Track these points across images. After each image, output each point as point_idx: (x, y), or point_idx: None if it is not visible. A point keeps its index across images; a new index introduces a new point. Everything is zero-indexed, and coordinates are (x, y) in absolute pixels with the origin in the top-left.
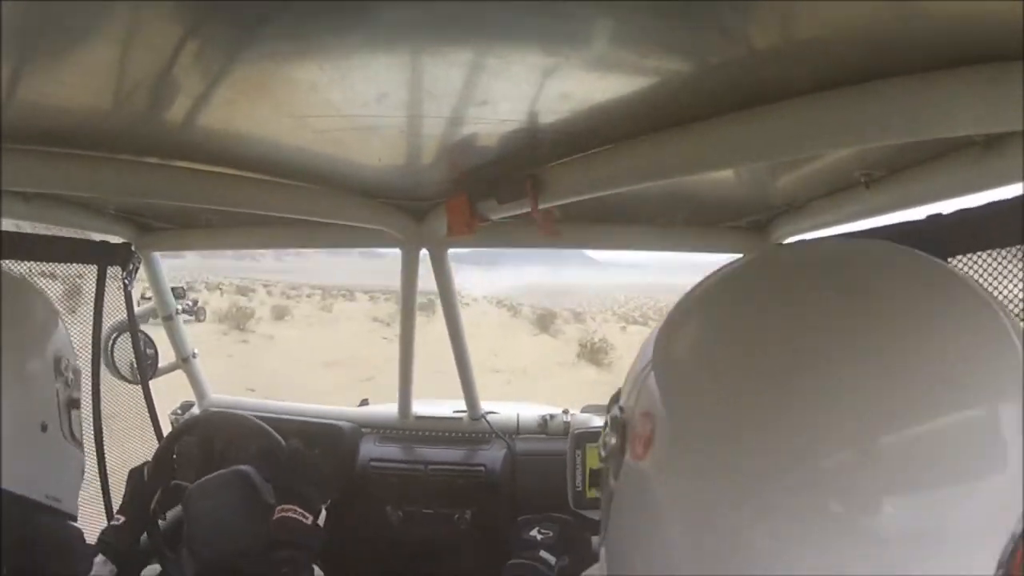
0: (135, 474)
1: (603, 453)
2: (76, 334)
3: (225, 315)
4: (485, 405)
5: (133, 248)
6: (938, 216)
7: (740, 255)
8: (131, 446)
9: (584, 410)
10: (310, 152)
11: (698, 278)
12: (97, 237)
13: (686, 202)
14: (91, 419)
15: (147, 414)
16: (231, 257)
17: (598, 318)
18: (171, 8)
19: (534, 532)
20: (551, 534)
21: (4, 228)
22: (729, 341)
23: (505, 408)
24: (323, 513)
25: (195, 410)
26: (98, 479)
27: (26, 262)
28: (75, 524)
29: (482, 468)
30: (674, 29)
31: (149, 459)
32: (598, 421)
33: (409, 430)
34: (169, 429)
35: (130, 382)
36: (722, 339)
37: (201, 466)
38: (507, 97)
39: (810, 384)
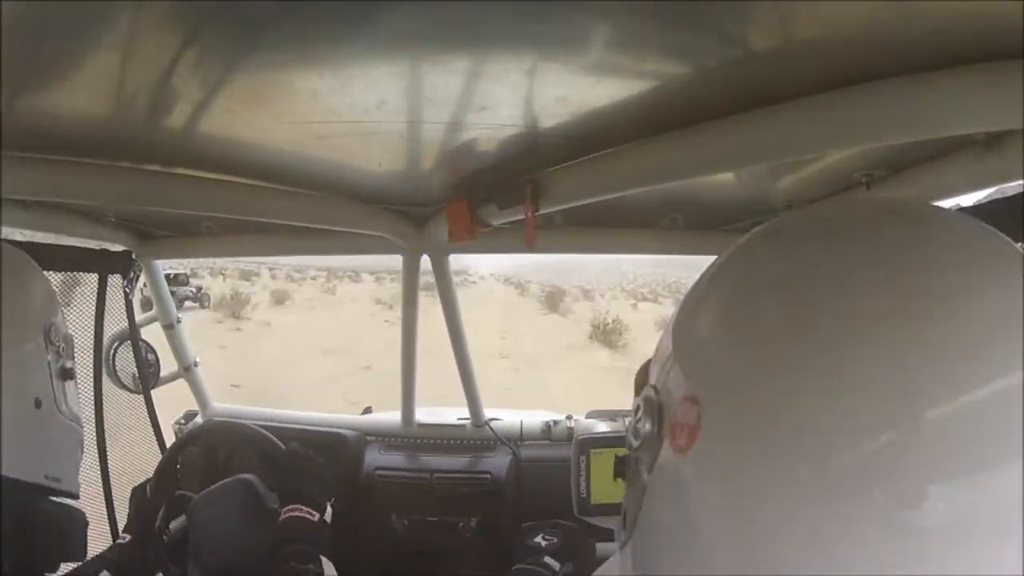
0: (138, 492)
1: (634, 442)
2: (76, 334)
3: (219, 303)
4: (488, 412)
5: (134, 256)
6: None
7: None
8: (135, 452)
9: (588, 415)
10: (310, 159)
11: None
12: (97, 245)
13: (687, 205)
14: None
15: (149, 424)
16: None
17: (607, 295)
18: (171, 15)
19: (538, 538)
20: (556, 540)
21: (4, 236)
22: (778, 316)
23: (508, 415)
24: (328, 510)
25: (198, 419)
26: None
27: None
28: (76, 506)
29: (488, 475)
30: (672, 32)
31: (150, 476)
32: (602, 427)
33: (413, 438)
34: (172, 439)
35: (132, 391)
36: (769, 315)
37: (205, 476)
38: (506, 102)
39: (856, 359)
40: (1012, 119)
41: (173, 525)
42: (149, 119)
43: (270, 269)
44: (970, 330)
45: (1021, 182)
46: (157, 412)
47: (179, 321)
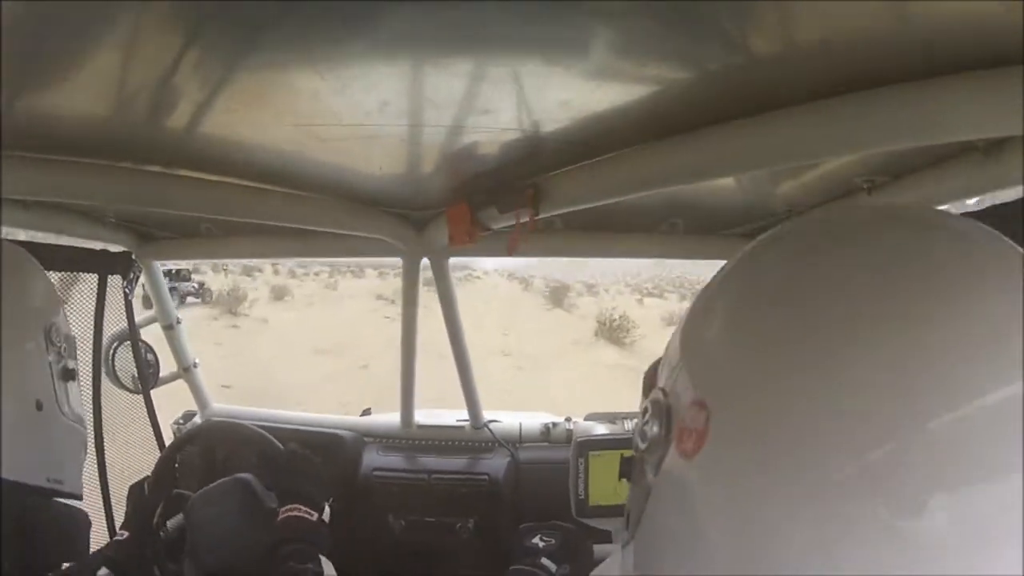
0: (135, 489)
1: (641, 443)
2: (76, 333)
3: (215, 299)
4: (487, 414)
5: (133, 257)
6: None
7: None
8: (134, 453)
9: (587, 418)
10: (311, 161)
11: None
12: (97, 246)
13: (687, 209)
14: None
15: (149, 424)
16: None
17: (612, 290)
18: (172, 15)
19: (536, 539)
20: (553, 541)
21: (4, 236)
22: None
23: (507, 416)
24: (327, 510)
25: (197, 419)
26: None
27: None
28: (79, 507)
29: (485, 476)
30: (674, 37)
31: (148, 474)
32: (601, 429)
33: (412, 439)
34: (170, 439)
35: (132, 392)
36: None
37: (203, 475)
38: (507, 106)
39: (861, 365)
40: (1013, 125)
41: (170, 523)
42: (149, 119)
43: (272, 264)
44: (974, 335)
45: (1021, 188)
46: (157, 413)
47: (179, 322)
